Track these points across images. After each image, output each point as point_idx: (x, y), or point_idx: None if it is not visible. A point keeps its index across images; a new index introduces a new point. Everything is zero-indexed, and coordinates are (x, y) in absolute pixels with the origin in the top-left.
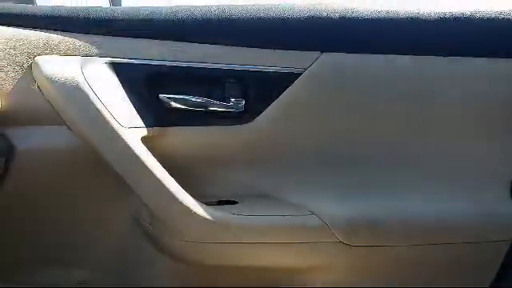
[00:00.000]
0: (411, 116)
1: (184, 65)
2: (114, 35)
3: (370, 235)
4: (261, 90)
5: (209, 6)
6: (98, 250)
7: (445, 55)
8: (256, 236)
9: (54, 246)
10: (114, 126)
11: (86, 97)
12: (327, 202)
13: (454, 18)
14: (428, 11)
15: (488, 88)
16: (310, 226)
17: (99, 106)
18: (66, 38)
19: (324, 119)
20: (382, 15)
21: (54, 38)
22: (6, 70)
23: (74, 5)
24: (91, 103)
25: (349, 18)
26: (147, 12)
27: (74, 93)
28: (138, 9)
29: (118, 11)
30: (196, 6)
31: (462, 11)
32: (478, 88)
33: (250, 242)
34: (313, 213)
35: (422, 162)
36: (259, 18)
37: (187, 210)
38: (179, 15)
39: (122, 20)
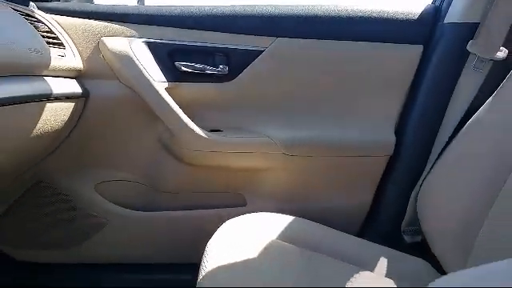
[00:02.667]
0: (330, 78)
1: (190, 44)
2: (147, 24)
3: (300, 149)
4: (238, 61)
5: (205, 6)
6: (136, 159)
7: (350, 40)
8: (233, 148)
9: (109, 156)
10: (149, 80)
11: (132, 62)
12: (276, 129)
13: (360, 15)
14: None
15: (379, 62)
16: (265, 143)
17: (140, 67)
18: (120, 26)
19: (276, 79)
20: (313, 13)
21: (113, 26)
22: (83, 46)
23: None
24: (135, 66)
25: (294, 16)
26: (166, 9)
27: (125, 60)
28: (161, 7)
29: (150, 9)
30: (197, 6)
31: (368, 10)
32: (371, 62)
33: (230, 152)
34: (267, 136)
35: (337, 107)
36: (239, 15)
37: (193, 132)
38: (187, 12)
39: (153, 15)
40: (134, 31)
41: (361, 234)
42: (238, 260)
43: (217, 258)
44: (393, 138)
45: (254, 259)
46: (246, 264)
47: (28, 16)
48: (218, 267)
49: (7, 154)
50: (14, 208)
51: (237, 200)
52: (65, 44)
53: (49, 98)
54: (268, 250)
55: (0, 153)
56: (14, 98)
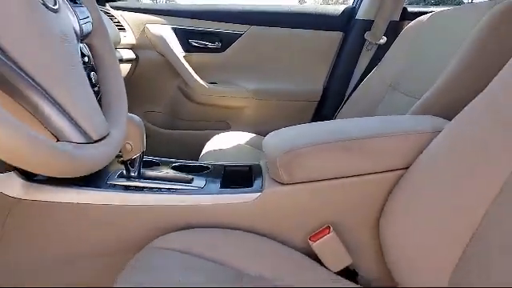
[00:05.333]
0: (283, 52)
1: (198, 29)
2: (173, 16)
3: (263, 95)
4: (227, 40)
5: (208, 4)
6: (165, 99)
7: (296, 28)
8: (223, 94)
9: (149, 96)
10: (173, 51)
11: (164, 40)
12: (249, 83)
13: (291, 12)
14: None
15: (315, 42)
16: (242, 91)
17: (169, 43)
18: (157, 17)
19: (250, 52)
20: (274, 10)
21: (152, 17)
22: (135, 29)
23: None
24: (166, 42)
25: (261, 12)
26: (184, 7)
27: (160, 38)
28: (182, 5)
29: (175, 6)
30: (202, 4)
31: (308, 7)
32: (309, 42)
33: (221, 96)
34: (243, 87)
35: (286, 70)
36: (227, 11)
37: (199, 83)
38: (197, 9)
39: (176, 10)
40: (165, 20)
41: None
42: (221, 154)
43: (209, 152)
44: (321, 90)
45: (230, 153)
46: (225, 155)
47: (106, 13)
48: (209, 158)
49: None
50: None
51: (224, 125)
52: (126, 29)
53: (121, 61)
54: (238, 149)
55: None
56: None
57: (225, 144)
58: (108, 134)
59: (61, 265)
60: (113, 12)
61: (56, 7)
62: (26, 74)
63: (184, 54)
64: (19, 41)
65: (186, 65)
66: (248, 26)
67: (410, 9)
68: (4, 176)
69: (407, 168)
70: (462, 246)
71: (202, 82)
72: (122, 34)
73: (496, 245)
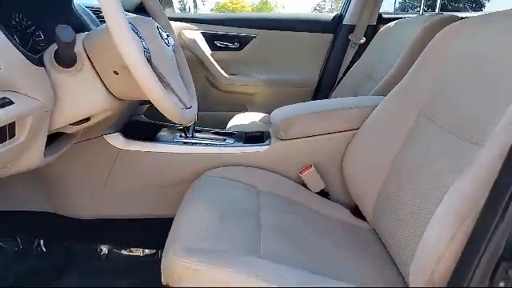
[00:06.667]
0: (286, 50)
1: (222, 32)
2: (202, 23)
3: (271, 83)
4: (244, 41)
5: (229, 13)
6: (195, 87)
7: (296, 31)
8: (241, 82)
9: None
10: (203, 49)
11: (195, 42)
12: (260, 74)
13: (293, 18)
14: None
15: (310, 42)
16: (254, 80)
17: (199, 43)
18: (189, 24)
19: (261, 50)
20: (279, 17)
21: (186, 24)
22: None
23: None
24: (197, 43)
25: (270, 19)
26: (211, 15)
27: (192, 41)
28: (208, 14)
29: (203, 15)
30: (224, 13)
31: (306, 15)
32: (306, 42)
33: (239, 84)
34: (256, 77)
35: (290, 64)
36: (244, 18)
37: (222, 74)
38: (219, 17)
39: (204, 18)
40: (196, 27)
41: None
42: (240, 128)
43: (232, 124)
44: (316, 79)
45: (247, 128)
46: (243, 127)
47: None
48: (233, 128)
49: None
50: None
51: (242, 108)
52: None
53: None
54: (253, 125)
55: None
56: None
57: (243, 122)
58: (191, 106)
59: (146, 192)
60: None
61: (170, 44)
62: (163, 77)
63: (211, 52)
64: (161, 62)
65: (213, 61)
66: (260, 30)
67: (385, 15)
68: (114, 135)
69: (358, 129)
70: (382, 178)
71: (224, 74)
72: None
73: (401, 181)
